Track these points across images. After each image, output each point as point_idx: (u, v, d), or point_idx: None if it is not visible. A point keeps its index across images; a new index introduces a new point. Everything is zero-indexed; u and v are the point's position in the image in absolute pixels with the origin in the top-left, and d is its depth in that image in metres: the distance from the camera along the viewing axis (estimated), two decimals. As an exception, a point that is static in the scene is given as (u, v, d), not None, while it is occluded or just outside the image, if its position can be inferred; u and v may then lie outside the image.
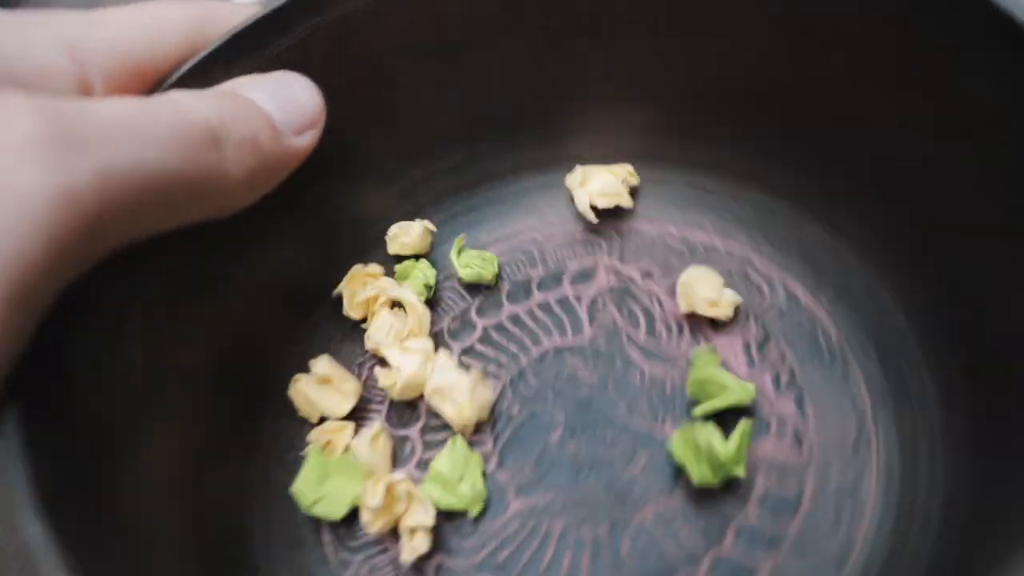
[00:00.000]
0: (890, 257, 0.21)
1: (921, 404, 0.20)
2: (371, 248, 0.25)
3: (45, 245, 0.13)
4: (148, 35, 0.18)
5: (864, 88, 0.21)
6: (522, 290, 0.25)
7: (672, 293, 0.24)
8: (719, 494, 0.20)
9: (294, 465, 0.22)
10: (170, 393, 0.20)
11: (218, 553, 0.20)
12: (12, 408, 0.15)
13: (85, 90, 0.18)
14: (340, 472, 0.21)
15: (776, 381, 0.22)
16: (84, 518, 0.15)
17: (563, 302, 0.24)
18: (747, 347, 0.23)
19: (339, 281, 0.24)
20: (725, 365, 0.22)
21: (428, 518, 0.20)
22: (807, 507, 0.20)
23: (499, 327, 0.24)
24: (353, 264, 0.24)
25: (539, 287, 0.25)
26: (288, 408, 0.23)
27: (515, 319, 0.24)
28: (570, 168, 0.25)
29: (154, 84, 0.19)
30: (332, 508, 0.21)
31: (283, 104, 0.18)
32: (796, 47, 0.21)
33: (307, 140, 0.19)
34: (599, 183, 0.24)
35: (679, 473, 0.21)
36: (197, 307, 0.21)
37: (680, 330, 0.23)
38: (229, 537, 0.20)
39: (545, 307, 0.24)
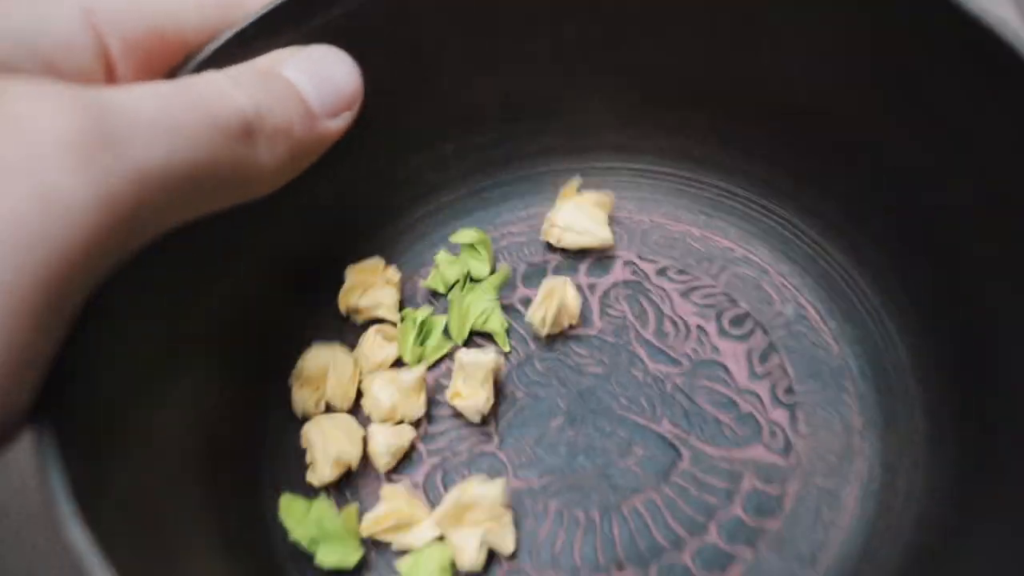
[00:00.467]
0: (903, 291, 0.22)
1: (910, 436, 0.21)
2: (388, 221, 0.26)
3: (84, 247, 0.13)
4: None
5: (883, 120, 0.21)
6: (538, 273, 0.25)
7: (685, 295, 0.24)
8: (705, 491, 0.21)
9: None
10: (182, 364, 0.20)
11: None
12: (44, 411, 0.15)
13: (107, 64, 0.17)
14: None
15: (773, 392, 0.23)
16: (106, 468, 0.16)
17: (577, 290, 0.25)
18: (748, 354, 0.23)
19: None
20: (726, 370, 0.23)
21: None
22: (789, 508, 0.21)
23: (510, 308, 0.25)
24: (373, 233, 0.25)
25: (555, 271, 0.25)
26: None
27: (527, 302, 0.25)
28: (597, 160, 0.26)
29: (183, 57, 0.18)
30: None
31: (320, 85, 0.18)
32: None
33: (341, 123, 0.19)
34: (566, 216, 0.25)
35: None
36: (209, 282, 0.21)
37: (688, 331, 0.24)
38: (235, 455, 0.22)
39: (559, 293, 0.25)
